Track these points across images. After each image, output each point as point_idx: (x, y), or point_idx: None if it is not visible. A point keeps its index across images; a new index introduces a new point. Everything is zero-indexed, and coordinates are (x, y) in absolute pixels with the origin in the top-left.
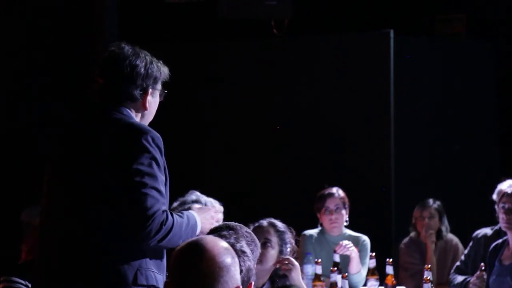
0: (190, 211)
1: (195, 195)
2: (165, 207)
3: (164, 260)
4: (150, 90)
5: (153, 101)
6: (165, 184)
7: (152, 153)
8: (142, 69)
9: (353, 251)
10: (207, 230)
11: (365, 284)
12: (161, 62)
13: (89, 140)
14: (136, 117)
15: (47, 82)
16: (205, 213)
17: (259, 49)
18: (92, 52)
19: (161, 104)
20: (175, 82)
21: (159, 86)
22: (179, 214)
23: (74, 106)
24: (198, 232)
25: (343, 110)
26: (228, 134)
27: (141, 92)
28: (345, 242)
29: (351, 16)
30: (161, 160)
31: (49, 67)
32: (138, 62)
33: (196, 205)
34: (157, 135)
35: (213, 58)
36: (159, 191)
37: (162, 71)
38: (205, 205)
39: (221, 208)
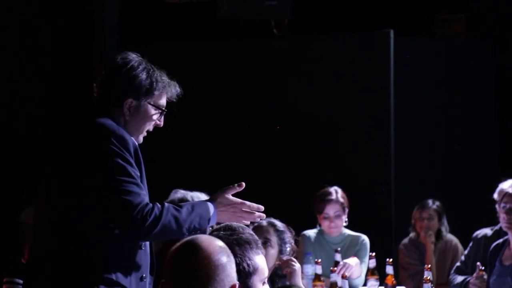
0: (204, 201)
1: (180, 193)
2: (147, 198)
3: (135, 257)
4: (130, 100)
5: (139, 115)
6: (142, 181)
7: (116, 151)
8: (124, 75)
9: (352, 262)
10: (233, 221)
11: (365, 284)
12: (174, 82)
13: (65, 144)
14: (119, 123)
15: (47, 82)
16: (226, 203)
17: (259, 49)
18: (92, 52)
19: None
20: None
21: (150, 100)
22: (178, 204)
23: (72, 107)
24: (213, 221)
25: (343, 110)
26: (228, 133)
27: (119, 99)
28: (346, 264)
29: (351, 16)
30: (129, 157)
31: (49, 67)
32: (125, 67)
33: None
34: (119, 135)
35: (213, 58)
36: (136, 184)
37: (161, 87)
38: (192, 200)
39: (254, 206)
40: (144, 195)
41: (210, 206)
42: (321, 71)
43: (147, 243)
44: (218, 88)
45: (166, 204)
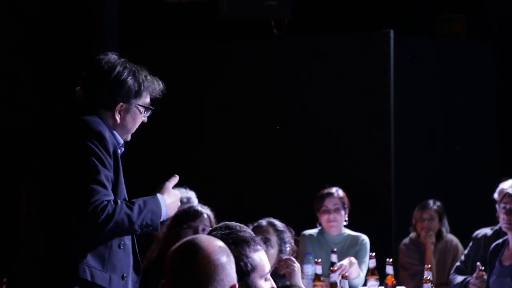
0: (157, 195)
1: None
2: (107, 197)
3: (113, 257)
4: (121, 104)
5: (129, 117)
6: (118, 180)
7: (93, 149)
8: (113, 81)
9: (350, 262)
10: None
11: (365, 284)
12: (156, 78)
13: (47, 140)
14: (107, 124)
15: (47, 82)
16: (173, 197)
17: (259, 49)
18: (92, 52)
19: (161, 104)
20: (174, 82)
21: (138, 102)
22: (130, 201)
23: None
24: (164, 216)
25: (343, 110)
26: (228, 133)
27: (110, 104)
28: (341, 266)
29: (351, 16)
30: (106, 156)
31: (49, 67)
32: (113, 73)
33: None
34: (100, 135)
35: (213, 58)
36: (100, 183)
37: (147, 87)
38: (188, 201)
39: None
40: (103, 195)
41: (162, 201)
42: (321, 71)
43: (127, 242)
44: (218, 88)
45: (119, 201)
